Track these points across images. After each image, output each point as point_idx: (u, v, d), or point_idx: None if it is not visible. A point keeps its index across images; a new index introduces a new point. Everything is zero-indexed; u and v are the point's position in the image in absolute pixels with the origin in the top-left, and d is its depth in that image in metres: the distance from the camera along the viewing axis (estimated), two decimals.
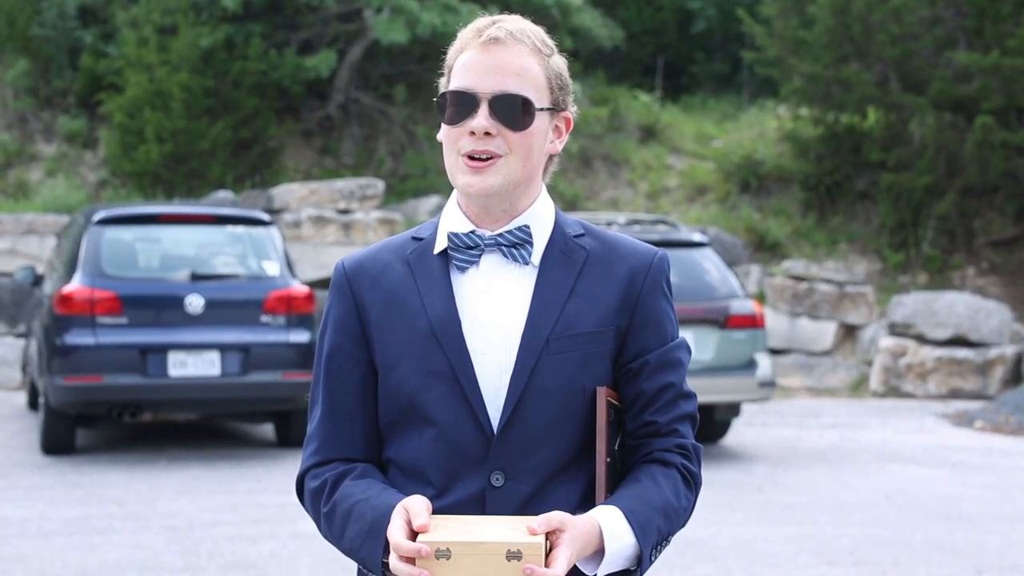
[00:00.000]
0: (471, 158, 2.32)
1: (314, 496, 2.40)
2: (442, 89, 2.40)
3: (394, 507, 2.23)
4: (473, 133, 2.31)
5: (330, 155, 20.68)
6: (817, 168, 19.76)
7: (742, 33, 22.96)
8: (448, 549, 2.08)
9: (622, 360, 2.38)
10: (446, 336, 2.32)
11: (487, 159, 2.32)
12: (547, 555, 2.13)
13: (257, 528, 7.91)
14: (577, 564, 2.23)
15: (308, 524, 7.88)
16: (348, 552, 2.34)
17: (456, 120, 2.33)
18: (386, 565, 2.24)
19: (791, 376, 15.82)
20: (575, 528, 2.18)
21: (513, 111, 2.31)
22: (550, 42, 2.40)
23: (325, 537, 2.40)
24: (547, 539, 2.15)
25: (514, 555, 2.07)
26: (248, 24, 19.59)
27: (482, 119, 2.30)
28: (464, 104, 2.32)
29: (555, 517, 2.16)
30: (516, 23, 2.36)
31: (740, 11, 21.10)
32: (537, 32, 2.38)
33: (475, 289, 2.36)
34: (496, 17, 2.37)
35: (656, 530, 2.28)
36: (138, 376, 9.96)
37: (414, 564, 2.15)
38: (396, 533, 2.18)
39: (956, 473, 10.28)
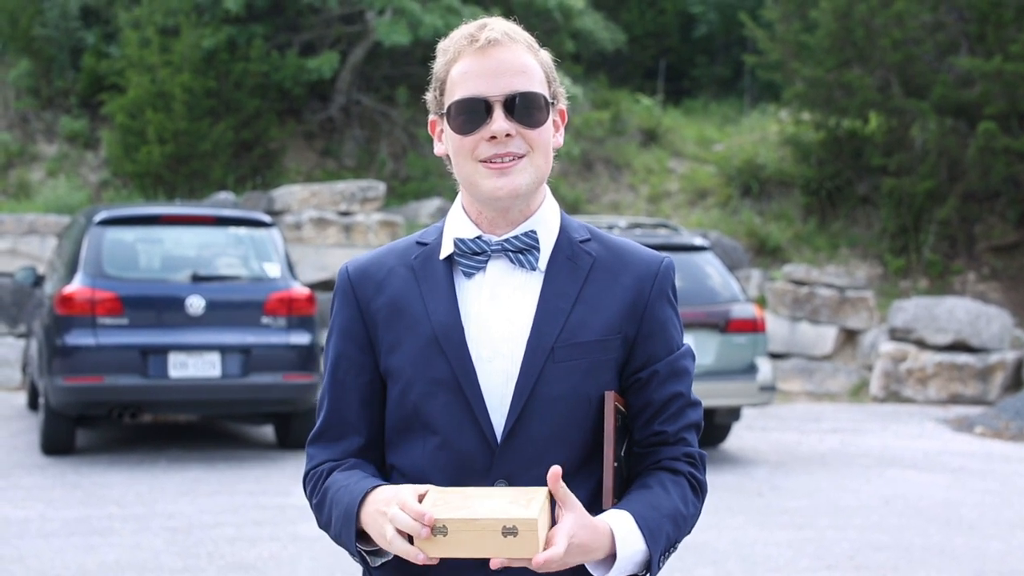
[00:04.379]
0: (491, 161, 2.29)
1: (310, 491, 2.40)
2: (432, 101, 2.36)
3: (368, 490, 2.23)
4: (493, 138, 2.27)
5: (331, 157, 20.68)
6: (818, 172, 19.77)
7: (744, 37, 23.00)
8: (444, 526, 2.08)
9: (629, 369, 2.35)
10: (449, 343, 2.29)
11: (510, 160, 2.28)
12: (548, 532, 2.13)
13: (257, 530, 7.91)
14: (588, 568, 2.22)
15: (308, 526, 7.88)
16: (335, 539, 2.32)
17: (469, 129, 2.28)
18: (362, 553, 2.26)
19: (791, 380, 15.81)
20: (584, 517, 2.15)
21: (528, 109, 2.28)
22: (533, 39, 2.37)
23: (323, 529, 2.38)
24: (553, 514, 2.14)
25: (510, 531, 2.06)
26: (250, 26, 19.60)
27: (501, 122, 2.26)
28: (476, 111, 2.27)
29: (568, 496, 2.13)
30: (505, 24, 2.32)
31: (742, 15, 21.12)
32: (523, 31, 2.35)
33: (481, 295, 2.33)
34: (481, 21, 2.33)
35: (665, 536, 2.27)
36: (139, 377, 9.95)
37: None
38: (407, 496, 2.13)
39: (956, 478, 10.28)
